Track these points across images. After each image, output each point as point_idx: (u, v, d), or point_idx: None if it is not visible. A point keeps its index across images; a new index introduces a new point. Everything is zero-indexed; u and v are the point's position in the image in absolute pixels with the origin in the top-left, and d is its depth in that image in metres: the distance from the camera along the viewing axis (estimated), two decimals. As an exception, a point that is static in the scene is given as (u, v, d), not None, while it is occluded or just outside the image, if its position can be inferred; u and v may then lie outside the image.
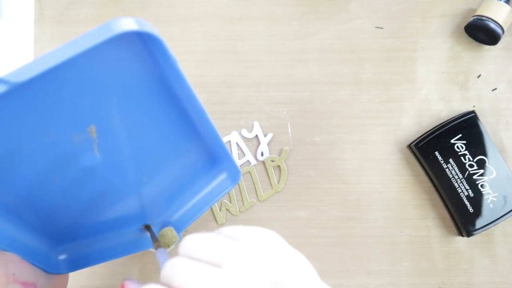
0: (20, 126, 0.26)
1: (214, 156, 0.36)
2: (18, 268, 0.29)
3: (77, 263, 0.35)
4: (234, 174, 0.37)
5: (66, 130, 0.28)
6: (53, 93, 0.25)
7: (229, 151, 0.45)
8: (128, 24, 0.23)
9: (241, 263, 0.21)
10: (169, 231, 0.39)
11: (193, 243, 0.22)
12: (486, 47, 0.46)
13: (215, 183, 0.38)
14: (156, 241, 0.35)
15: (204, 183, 0.38)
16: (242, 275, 0.20)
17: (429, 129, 0.44)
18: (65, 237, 0.34)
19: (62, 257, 0.35)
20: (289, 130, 0.46)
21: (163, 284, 0.22)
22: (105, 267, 0.44)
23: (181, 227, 0.38)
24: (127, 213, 0.36)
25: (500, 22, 0.42)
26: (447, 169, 0.43)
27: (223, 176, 0.38)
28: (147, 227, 0.37)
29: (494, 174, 0.42)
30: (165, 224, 0.38)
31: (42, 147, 0.27)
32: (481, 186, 0.42)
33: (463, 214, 0.42)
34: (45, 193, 0.30)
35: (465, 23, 0.45)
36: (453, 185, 0.42)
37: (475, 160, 0.42)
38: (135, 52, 0.26)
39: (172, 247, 0.41)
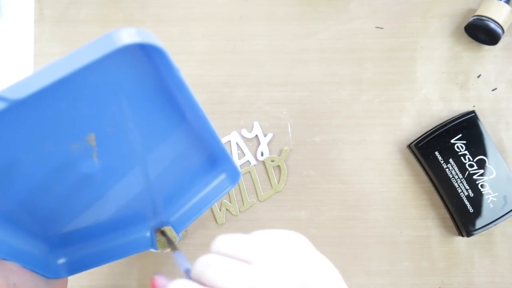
0: (18, 138, 0.25)
1: (214, 157, 0.36)
2: (18, 278, 0.28)
3: (76, 267, 0.35)
4: (233, 174, 0.37)
5: (64, 140, 0.27)
6: (52, 106, 0.25)
7: (229, 151, 0.45)
8: (130, 36, 0.22)
9: (271, 261, 0.21)
10: (169, 232, 0.39)
11: (225, 241, 0.23)
12: (486, 47, 0.46)
13: (214, 183, 0.38)
14: (172, 244, 0.35)
15: (203, 183, 0.38)
16: (272, 272, 0.21)
17: (429, 129, 0.44)
18: (64, 241, 0.34)
19: (61, 261, 0.35)
20: (289, 130, 0.46)
21: (194, 280, 0.22)
22: (105, 267, 0.44)
23: (180, 227, 0.38)
24: (126, 214, 0.36)
25: (500, 22, 0.42)
26: (447, 169, 0.43)
27: (222, 177, 0.38)
28: (162, 232, 0.37)
29: (494, 174, 0.42)
30: (163, 224, 0.38)
31: (40, 157, 0.27)
32: (481, 186, 0.42)
33: (463, 214, 0.42)
34: (44, 200, 0.30)
35: (465, 23, 0.45)
36: (453, 185, 0.42)
37: (475, 160, 0.42)
38: (136, 62, 0.26)
39: (172, 247, 0.41)
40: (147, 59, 0.26)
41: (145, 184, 0.34)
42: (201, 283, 0.22)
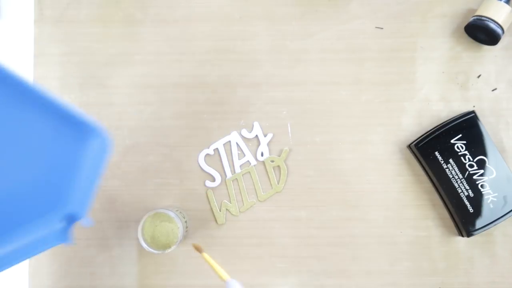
0: None
1: (78, 128, 0.35)
2: None
3: None
4: (102, 139, 0.35)
5: None
6: None
7: (229, 151, 0.45)
8: None
9: None
10: (170, 234, 0.39)
11: None
12: (486, 47, 0.46)
13: (91, 154, 0.36)
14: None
15: (82, 161, 0.36)
16: None
17: (429, 129, 0.44)
18: None
19: None
20: (289, 130, 0.46)
21: None
22: (105, 267, 0.44)
23: (84, 208, 0.36)
24: (20, 211, 0.34)
25: (500, 22, 0.42)
26: (447, 169, 0.43)
27: (96, 144, 0.36)
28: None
29: (494, 174, 0.42)
30: (72, 214, 0.36)
31: None
32: (481, 186, 0.42)
33: (463, 214, 0.42)
34: None
35: (465, 23, 0.45)
36: (453, 185, 0.43)
37: (475, 160, 0.42)
38: None
39: (173, 247, 0.41)
40: None
41: (23, 179, 0.33)
42: None
